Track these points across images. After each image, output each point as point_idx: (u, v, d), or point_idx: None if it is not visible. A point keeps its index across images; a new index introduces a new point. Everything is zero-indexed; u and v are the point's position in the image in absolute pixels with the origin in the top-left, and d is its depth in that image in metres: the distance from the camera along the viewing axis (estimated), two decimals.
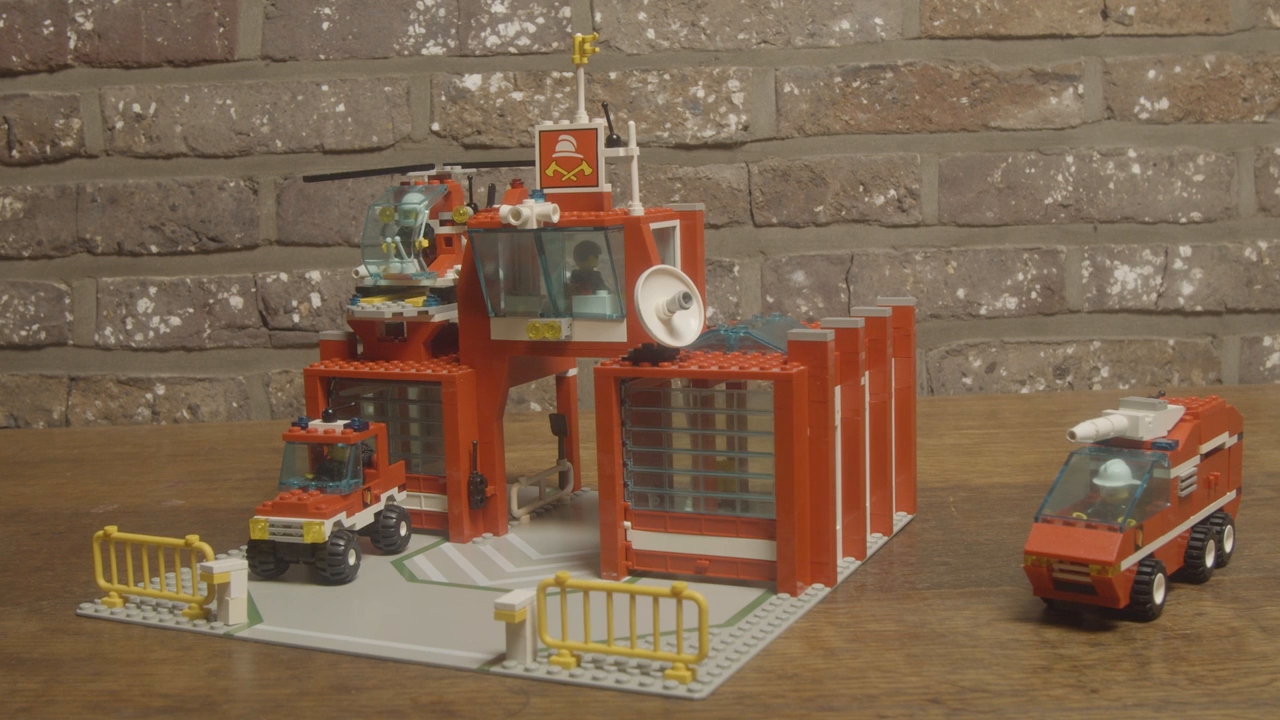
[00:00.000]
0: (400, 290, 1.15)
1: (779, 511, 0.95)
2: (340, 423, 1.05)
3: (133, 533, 0.99)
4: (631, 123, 1.09)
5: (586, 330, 1.06)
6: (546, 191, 1.06)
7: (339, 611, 0.96)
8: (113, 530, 0.98)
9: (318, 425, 1.06)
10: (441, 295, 1.14)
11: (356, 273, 1.16)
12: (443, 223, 1.17)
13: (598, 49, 1.15)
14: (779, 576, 0.95)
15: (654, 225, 1.06)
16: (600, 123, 1.06)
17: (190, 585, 1.00)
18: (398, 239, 1.14)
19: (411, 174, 1.18)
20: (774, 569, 0.96)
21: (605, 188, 1.06)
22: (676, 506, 1.01)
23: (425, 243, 1.14)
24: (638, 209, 1.04)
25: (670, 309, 0.97)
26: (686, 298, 0.97)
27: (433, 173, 1.19)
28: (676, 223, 1.10)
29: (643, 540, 1.00)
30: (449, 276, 1.14)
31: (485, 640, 0.87)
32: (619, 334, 1.05)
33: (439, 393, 1.10)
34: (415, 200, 1.15)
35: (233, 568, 0.93)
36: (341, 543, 1.01)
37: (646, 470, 1.01)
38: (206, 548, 0.94)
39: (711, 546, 0.98)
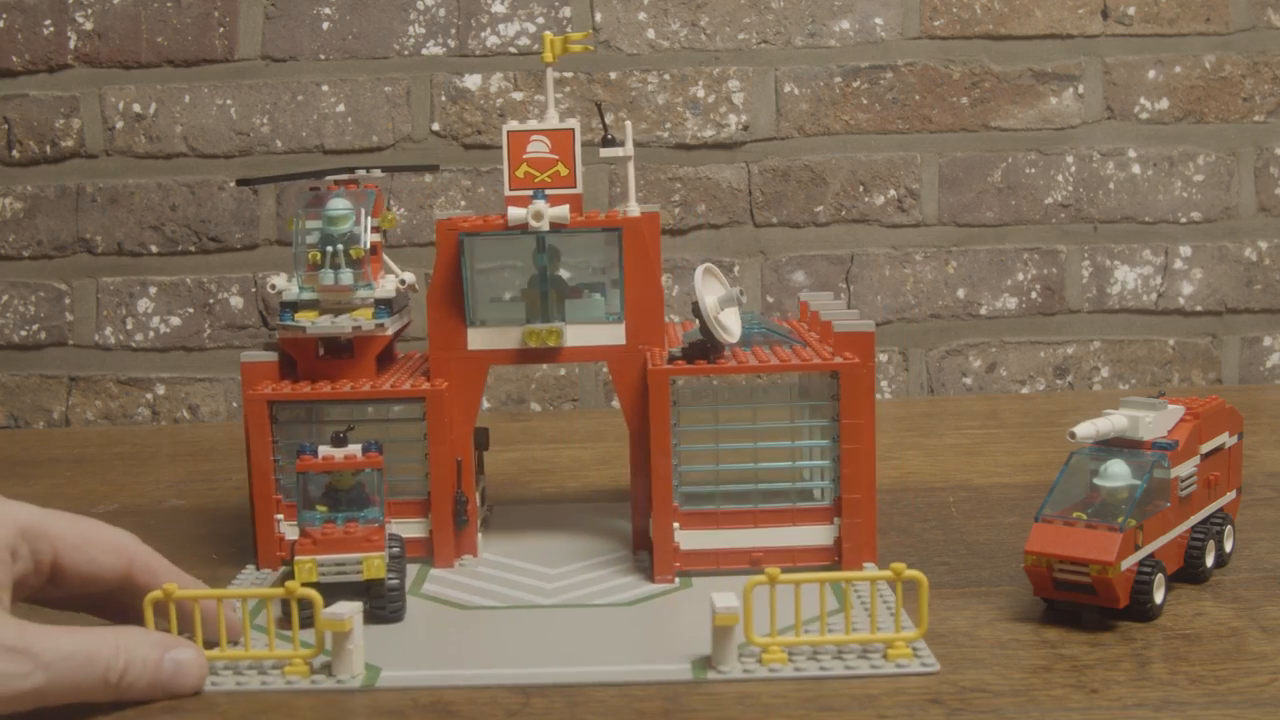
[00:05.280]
0: (335, 303, 1.05)
1: (845, 497, 0.98)
2: (356, 446, 0.95)
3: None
4: (628, 122, 1.09)
5: (580, 334, 1.05)
6: (512, 193, 1.04)
7: (438, 647, 0.88)
8: (173, 588, 0.81)
9: (331, 451, 0.94)
10: (386, 306, 1.06)
11: (273, 286, 1.05)
12: (370, 230, 1.07)
13: (591, 48, 1.14)
14: (844, 559, 1.00)
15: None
16: (573, 122, 1.05)
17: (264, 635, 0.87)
18: (332, 248, 1.04)
19: (326, 178, 1.09)
20: (829, 555, 1.00)
21: (579, 189, 1.05)
22: (726, 503, 1.01)
23: (362, 251, 1.05)
24: (634, 210, 1.04)
25: (722, 305, 0.98)
26: (740, 295, 1.00)
27: (347, 177, 1.09)
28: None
29: (691, 540, 1.00)
30: (388, 286, 1.06)
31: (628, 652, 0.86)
32: (616, 337, 1.05)
33: (412, 410, 1.03)
34: (343, 206, 1.05)
35: (350, 611, 0.82)
36: (396, 576, 0.92)
37: (696, 469, 1.01)
38: (314, 594, 0.82)
39: (764, 538, 1.00)
